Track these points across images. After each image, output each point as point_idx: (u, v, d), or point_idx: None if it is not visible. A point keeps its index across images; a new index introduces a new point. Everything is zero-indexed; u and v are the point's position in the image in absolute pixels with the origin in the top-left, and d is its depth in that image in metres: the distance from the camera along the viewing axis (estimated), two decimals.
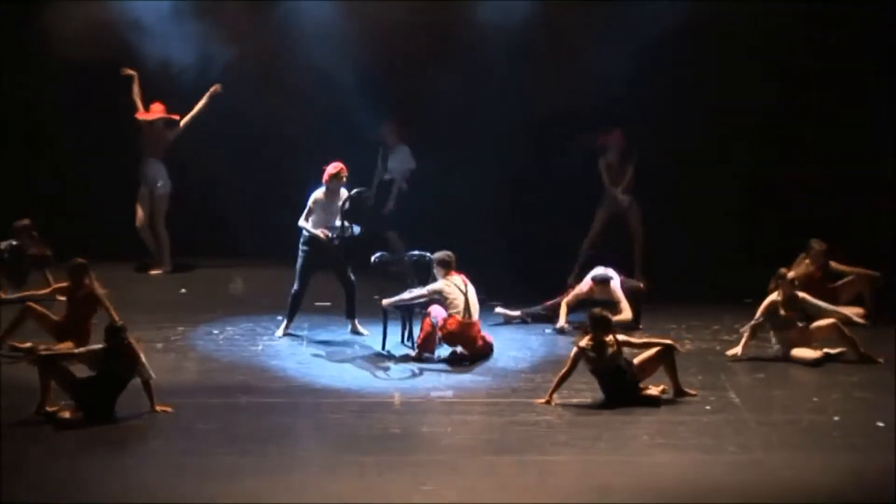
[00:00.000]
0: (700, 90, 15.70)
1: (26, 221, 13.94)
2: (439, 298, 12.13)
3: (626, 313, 12.98)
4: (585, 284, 13.25)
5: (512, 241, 15.56)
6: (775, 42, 15.50)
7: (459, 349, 12.15)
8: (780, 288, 12.12)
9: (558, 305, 13.27)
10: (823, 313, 12.20)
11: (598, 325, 10.87)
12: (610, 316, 11.12)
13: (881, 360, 12.04)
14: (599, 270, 13.22)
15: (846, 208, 15.41)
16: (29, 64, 15.65)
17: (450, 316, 12.06)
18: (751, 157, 15.92)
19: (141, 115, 15.06)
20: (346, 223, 12.54)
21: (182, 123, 15.07)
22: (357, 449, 9.88)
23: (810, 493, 9.15)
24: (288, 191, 15.44)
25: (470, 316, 12.11)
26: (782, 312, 12.10)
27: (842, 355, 12.08)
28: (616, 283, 13.18)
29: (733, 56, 15.60)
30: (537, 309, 13.43)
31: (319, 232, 12.52)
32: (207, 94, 15.03)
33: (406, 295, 12.29)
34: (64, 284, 12.28)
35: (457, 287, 12.14)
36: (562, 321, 13.13)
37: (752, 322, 12.10)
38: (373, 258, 12.61)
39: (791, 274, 12.26)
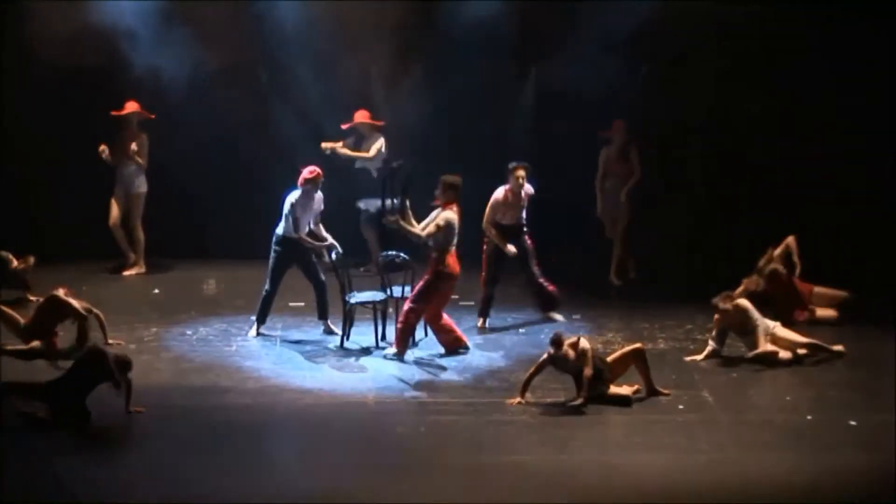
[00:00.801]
0: (681, 88, 15.72)
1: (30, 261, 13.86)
2: (445, 236, 11.92)
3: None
4: (501, 192, 13.16)
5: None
6: (777, 41, 15.45)
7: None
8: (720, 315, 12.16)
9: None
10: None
11: (555, 344, 10.87)
12: (563, 337, 10.96)
13: (842, 348, 12.12)
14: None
15: (836, 211, 15.43)
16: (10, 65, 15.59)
17: (449, 253, 11.94)
18: (737, 157, 15.86)
19: (115, 112, 15.02)
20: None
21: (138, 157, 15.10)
22: (331, 449, 9.89)
23: (784, 492, 9.19)
24: (261, 191, 15.44)
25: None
26: (729, 328, 12.15)
27: (813, 354, 12.13)
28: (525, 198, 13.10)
29: (730, 53, 15.57)
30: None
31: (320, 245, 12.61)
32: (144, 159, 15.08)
33: (415, 229, 12.02)
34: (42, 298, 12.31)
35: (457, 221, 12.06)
36: (510, 247, 12.95)
37: (710, 347, 12.11)
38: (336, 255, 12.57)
39: (724, 304, 12.14)
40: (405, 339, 12.12)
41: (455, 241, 12.02)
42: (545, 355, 10.88)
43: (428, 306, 12.15)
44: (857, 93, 15.11)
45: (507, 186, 13.13)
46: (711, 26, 15.42)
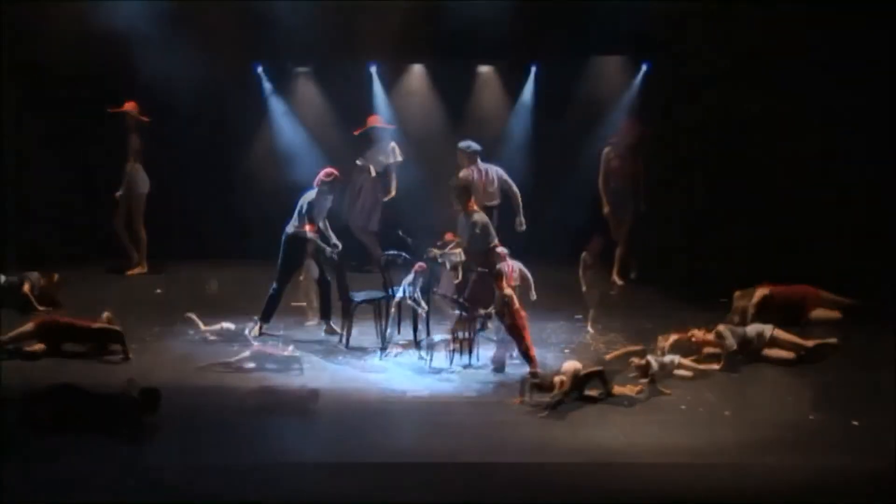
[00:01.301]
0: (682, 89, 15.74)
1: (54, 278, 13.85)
2: (485, 236, 11.82)
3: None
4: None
5: None
6: (777, 41, 15.43)
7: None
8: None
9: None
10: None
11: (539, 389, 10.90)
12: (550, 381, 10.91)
13: (834, 340, 12.17)
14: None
15: (836, 211, 15.43)
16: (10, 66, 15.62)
17: (497, 246, 11.91)
18: (737, 157, 15.86)
19: (112, 109, 15.05)
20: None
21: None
22: (333, 449, 9.89)
23: (784, 492, 9.20)
24: (264, 192, 15.50)
25: None
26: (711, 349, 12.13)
27: (815, 352, 12.14)
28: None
29: (730, 53, 15.57)
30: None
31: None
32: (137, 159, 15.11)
33: (446, 265, 12.11)
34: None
35: None
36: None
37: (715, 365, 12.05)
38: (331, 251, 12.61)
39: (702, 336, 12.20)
40: (522, 340, 11.59)
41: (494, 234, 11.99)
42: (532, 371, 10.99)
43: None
44: (857, 93, 15.12)
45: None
46: (711, 26, 15.44)
